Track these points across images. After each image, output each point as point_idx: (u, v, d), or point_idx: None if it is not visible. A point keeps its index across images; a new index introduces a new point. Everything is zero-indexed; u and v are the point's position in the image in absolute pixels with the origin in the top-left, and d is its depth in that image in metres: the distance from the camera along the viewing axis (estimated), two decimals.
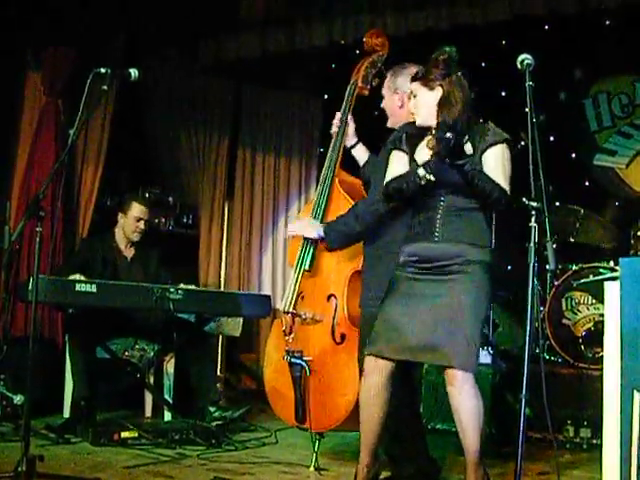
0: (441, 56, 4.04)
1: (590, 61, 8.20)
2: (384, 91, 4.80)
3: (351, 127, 5.09)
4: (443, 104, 3.98)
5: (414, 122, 4.18)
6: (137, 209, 6.45)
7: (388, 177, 4.11)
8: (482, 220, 4.02)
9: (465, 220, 3.99)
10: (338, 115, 5.12)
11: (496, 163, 3.93)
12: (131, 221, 6.44)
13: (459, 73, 4.00)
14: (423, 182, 3.91)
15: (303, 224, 4.92)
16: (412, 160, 4.07)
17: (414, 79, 4.11)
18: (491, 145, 3.96)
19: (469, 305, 3.90)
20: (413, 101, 4.10)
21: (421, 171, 3.91)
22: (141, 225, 6.46)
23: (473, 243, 3.97)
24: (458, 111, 3.94)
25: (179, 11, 7.30)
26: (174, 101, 8.34)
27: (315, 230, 4.77)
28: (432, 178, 3.89)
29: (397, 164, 4.13)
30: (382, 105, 4.82)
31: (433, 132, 3.94)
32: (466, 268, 3.93)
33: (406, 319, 3.96)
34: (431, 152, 3.94)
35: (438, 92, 4.00)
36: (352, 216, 4.56)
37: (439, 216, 4.00)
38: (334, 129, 5.11)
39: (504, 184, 3.89)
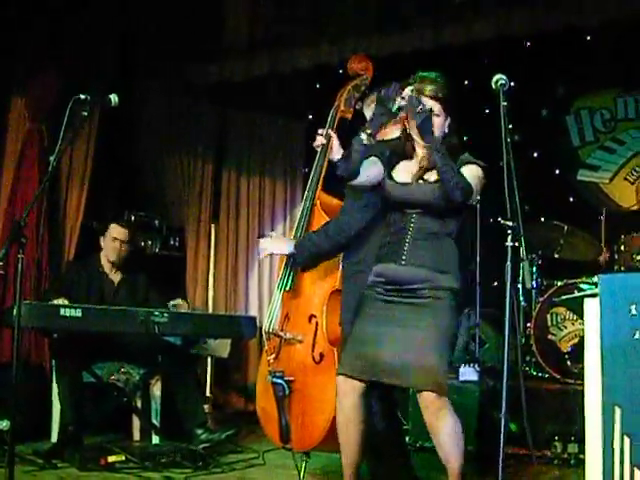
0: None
1: (572, 77, 8.25)
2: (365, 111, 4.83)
3: (335, 142, 5.07)
4: (451, 132, 4.05)
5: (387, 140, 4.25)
6: (114, 230, 6.46)
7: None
8: (451, 246, 4.04)
9: (434, 245, 4.02)
10: (321, 130, 5.13)
11: (469, 175, 3.95)
12: (109, 243, 6.45)
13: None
14: (366, 142, 3.98)
15: (274, 241, 4.95)
16: (389, 177, 4.11)
17: (437, 99, 4.04)
18: (466, 163, 4.02)
19: (438, 331, 3.93)
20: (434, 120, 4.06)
21: (363, 135, 3.98)
22: (117, 245, 6.45)
23: (441, 269, 3.99)
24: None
25: (164, 36, 7.34)
26: (159, 124, 8.37)
27: (286, 246, 4.80)
28: (371, 139, 3.97)
29: (368, 163, 4.12)
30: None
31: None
32: (435, 294, 3.96)
33: (376, 341, 3.99)
34: (411, 174, 4.01)
35: (448, 120, 4.05)
36: (322, 235, 4.61)
37: (408, 238, 4.03)
38: (317, 142, 5.12)
39: (473, 187, 3.92)
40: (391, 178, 4.11)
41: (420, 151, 4.10)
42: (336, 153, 5.01)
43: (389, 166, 4.15)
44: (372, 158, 4.12)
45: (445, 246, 4.03)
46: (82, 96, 4.37)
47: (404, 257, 4.02)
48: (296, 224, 5.02)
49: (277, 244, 4.93)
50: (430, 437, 4.05)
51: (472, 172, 3.99)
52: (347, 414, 4.05)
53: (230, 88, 7.89)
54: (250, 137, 8.75)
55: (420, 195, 4.01)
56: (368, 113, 4.74)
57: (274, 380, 4.80)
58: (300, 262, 4.76)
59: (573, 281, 6.68)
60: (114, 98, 4.52)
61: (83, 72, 6.95)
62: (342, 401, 4.06)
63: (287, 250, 4.78)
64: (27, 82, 7.00)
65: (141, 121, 8.34)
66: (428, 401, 3.91)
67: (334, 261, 4.74)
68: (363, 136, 4.00)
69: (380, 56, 6.51)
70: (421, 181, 4.04)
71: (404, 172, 4.11)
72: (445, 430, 3.92)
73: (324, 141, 5.01)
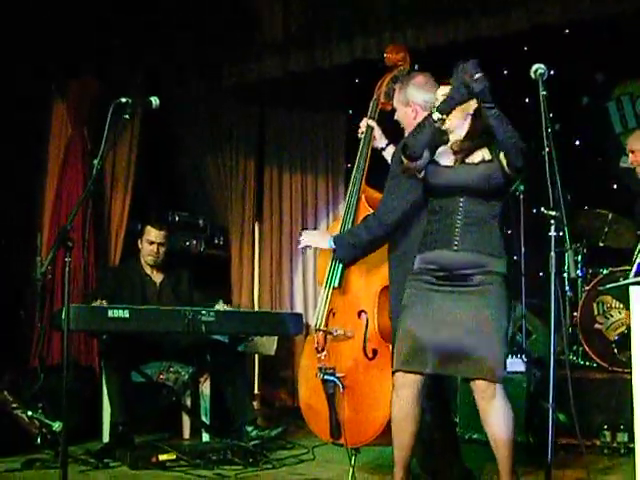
0: None
1: (611, 64, 8.16)
2: (396, 104, 4.82)
3: (377, 130, 5.09)
4: (479, 113, 4.01)
5: None
6: (150, 232, 6.49)
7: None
8: (496, 230, 4.02)
9: (483, 229, 3.99)
10: (363, 122, 5.15)
11: None
12: (145, 245, 6.50)
13: None
14: (437, 124, 3.95)
15: (314, 235, 4.96)
16: (433, 162, 4.10)
17: (445, 84, 4.10)
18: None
19: (492, 317, 3.91)
20: None
21: (435, 115, 3.94)
22: (154, 248, 6.49)
23: (491, 253, 3.97)
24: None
25: (200, 36, 7.38)
26: (199, 125, 8.44)
27: (326, 240, 4.81)
28: (444, 117, 3.93)
29: None
30: (396, 117, 4.85)
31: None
32: (486, 279, 3.95)
33: (429, 333, 3.97)
34: (453, 156, 4.00)
35: (474, 101, 4.00)
36: (362, 228, 4.62)
37: (458, 223, 4.01)
38: (361, 131, 5.13)
39: None
40: (434, 162, 4.11)
41: (453, 136, 4.08)
42: (379, 141, 5.05)
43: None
44: None
45: (492, 230, 4.01)
46: (123, 99, 4.40)
47: (456, 243, 3.99)
48: (342, 219, 5.03)
49: (317, 238, 4.94)
50: (479, 429, 4.05)
51: None
52: (404, 408, 4.04)
53: (268, 85, 7.90)
54: (290, 134, 8.75)
55: (464, 177, 4.00)
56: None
57: (325, 377, 4.82)
58: (340, 256, 4.77)
59: (618, 269, 6.62)
60: (155, 100, 4.55)
61: (121, 75, 7.01)
62: (398, 395, 4.05)
63: (326, 244, 4.80)
64: (67, 86, 7.07)
65: (182, 122, 8.39)
66: (482, 389, 3.92)
67: (382, 257, 4.72)
68: (435, 116, 3.96)
69: (416, 48, 6.50)
70: (465, 162, 4.03)
71: (445, 156, 4.09)
72: (497, 417, 3.92)
73: (365, 128, 5.05)
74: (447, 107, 3.96)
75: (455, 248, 4.00)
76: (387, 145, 5.06)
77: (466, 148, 4.05)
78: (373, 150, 5.11)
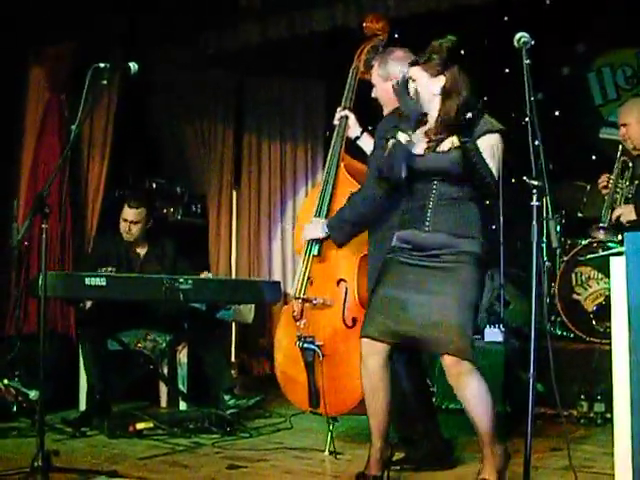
0: (445, 44, 4.01)
1: (593, 34, 8.15)
2: (375, 81, 4.79)
3: (352, 118, 5.08)
4: (448, 92, 3.97)
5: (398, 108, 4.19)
6: (124, 211, 6.41)
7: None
8: (473, 211, 4.00)
9: (456, 210, 3.98)
10: (338, 113, 5.13)
11: (488, 150, 3.89)
12: (121, 221, 6.43)
13: (458, 65, 3.99)
14: (408, 146, 3.92)
15: (310, 229, 4.93)
16: None
17: (413, 64, 4.08)
18: (485, 133, 3.93)
19: (461, 295, 3.92)
20: (412, 85, 4.04)
21: (401, 136, 3.92)
22: (126, 226, 6.41)
23: (464, 234, 3.97)
24: (463, 99, 3.94)
25: (178, 3, 7.30)
26: (177, 92, 8.38)
27: (321, 229, 4.82)
28: (411, 133, 3.91)
29: None
30: (373, 95, 4.83)
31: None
32: (457, 258, 3.95)
33: (399, 305, 3.98)
34: (428, 141, 3.97)
35: (440, 80, 3.98)
36: (347, 208, 4.62)
37: (431, 205, 4.00)
38: (336, 121, 5.12)
39: (493, 171, 3.87)
40: None
41: (431, 121, 4.05)
42: (353, 131, 5.04)
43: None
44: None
45: (467, 211, 3.99)
46: (102, 64, 4.36)
47: (427, 223, 4.00)
48: (321, 188, 5.02)
49: (313, 230, 4.92)
50: (455, 399, 4.05)
51: (490, 146, 3.90)
52: (372, 376, 4.04)
53: (246, 52, 7.84)
54: (268, 102, 8.73)
55: (436, 165, 3.98)
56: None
57: (305, 345, 4.82)
58: (340, 240, 4.76)
59: (597, 240, 6.63)
60: (134, 66, 4.50)
61: (98, 41, 6.92)
62: (367, 363, 4.05)
63: (322, 233, 4.81)
64: (43, 52, 6.99)
65: (159, 89, 8.32)
66: (449, 365, 3.92)
67: None
68: (401, 137, 3.93)
69: (397, 17, 6.45)
70: (436, 150, 4.00)
71: (419, 143, 4.05)
72: (470, 393, 3.92)
73: (342, 114, 5.04)
74: (410, 127, 3.94)
75: (427, 229, 4.01)
76: (361, 134, 5.05)
77: (439, 137, 4.00)
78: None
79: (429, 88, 4.00)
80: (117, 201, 7.22)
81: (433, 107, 4.02)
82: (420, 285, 3.98)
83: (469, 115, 3.89)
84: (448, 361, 3.92)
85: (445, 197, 3.99)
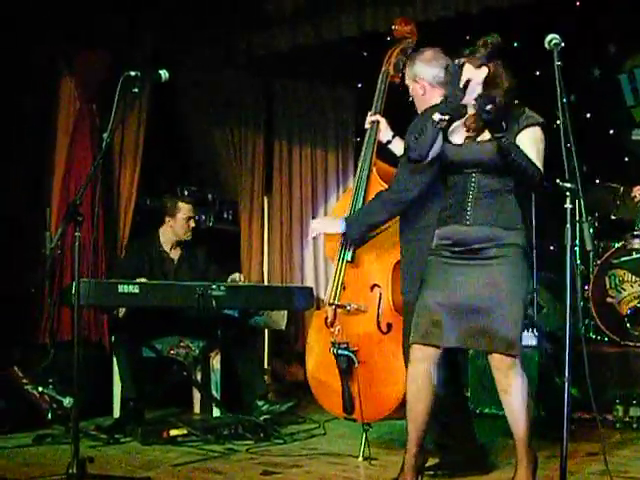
0: (490, 39, 4.01)
1: (623, 36, 8.09)
2: (407, 81, 4.79)
3: (383, 122, 5.07)
4: (490, 83, 3.96)
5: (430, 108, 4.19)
6: (185, 209, 6.50)
7: None
8: (514, 202, 3.99)
9: (497, 202, 3.97)
10: (368, 118, 5.12)
11: (530, 144, 3.90)
12: (181, 222, 6.48)
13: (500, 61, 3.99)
14: (439, 125, 3.93)
15: (325, 221, 4.93)
16: (445, 140, 4.06)
17: (460, 56, 4.06)
18: (526, 127, 3.95)
19: (509, 289, 3.90)
20: (464, 75, 3.95)
21: (436, 115, 3.92)
22: (192, 224, 6.53)
23: (506, 226, 3.95)
24: (503, 91, 3.93)
25: (208, 9, 7.31)
26: (207, 99, 8.38)
27: (337, 225, 4.79)
28: (446, 117, 3.91)
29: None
30: (410, 93, 4.82)
31: (474, 103, 3.92)
32: (501, 251, 3.93)
33: (446, 307, 3.96)
34: (467, 131, 3.97)
35: (483, 71, 3.96)
36: (376, 205, 4.60)
37: (470, 198, 3.99)
38: (367, 125, 5.11)
39: (538, 164, 3.87)
40: (447, 140, 4.07)
41: (470, 110, 4.05)
42: (384, 135, 5.03)
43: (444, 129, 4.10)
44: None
45: (507, 203, 3.98)
46: (132, 73, 4.37)
47: (468, 217, 3.98)
48: (353, 193, 5.01)
49: (328, 224, 4.92)
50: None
51: (532, 141, 3.92)
52: (421, 382, 4.01)
53: (276, 58, 7.85)
54: (299, 107, 8.72)
55: (476, 155, 3.97)
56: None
57: (339, 352, 4.80)
58: (355, 238, 4.75)
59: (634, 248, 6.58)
60: (164, 74, 4.51)
61: (129, 48, 6.95)
62: (415, 368, 4.03)
63: (339, 228, 4.78)
64: (75, 61, 7.02)
65: (189, 96, 8.34)
66: (498, 360, 3.90)
67: (395, 230, 4.70)
68: (436, 117, 3.93)
69: (426, 20, 6.44)
70: (476, 140, 4.00)
71: (458, 133, 4.06)
72: (514, 390, 3.90)
73: (372, 119, 5.03)
74: (447, 109, 3.94)
75: (467, 222, 3.99)
76: (392, 137, 5.04)
77: (479, 127, 4.00)
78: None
79: (472, 78, 3.99)
80: (149, 209, 7.27)
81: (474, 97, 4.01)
82: (466, 284, 3.96)
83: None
84: (499, 359, 3.90)
85: (485, 189, 3.98)
